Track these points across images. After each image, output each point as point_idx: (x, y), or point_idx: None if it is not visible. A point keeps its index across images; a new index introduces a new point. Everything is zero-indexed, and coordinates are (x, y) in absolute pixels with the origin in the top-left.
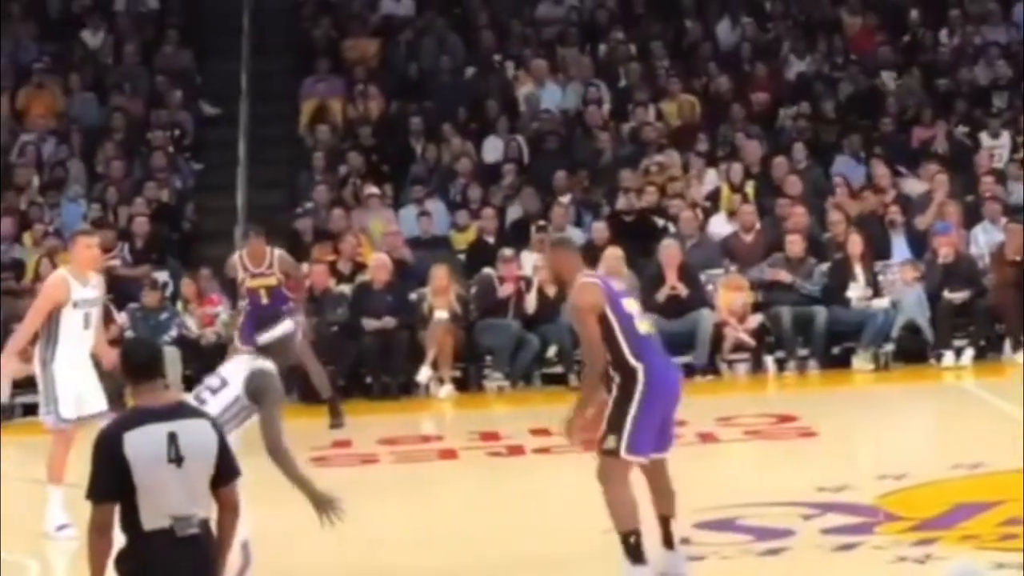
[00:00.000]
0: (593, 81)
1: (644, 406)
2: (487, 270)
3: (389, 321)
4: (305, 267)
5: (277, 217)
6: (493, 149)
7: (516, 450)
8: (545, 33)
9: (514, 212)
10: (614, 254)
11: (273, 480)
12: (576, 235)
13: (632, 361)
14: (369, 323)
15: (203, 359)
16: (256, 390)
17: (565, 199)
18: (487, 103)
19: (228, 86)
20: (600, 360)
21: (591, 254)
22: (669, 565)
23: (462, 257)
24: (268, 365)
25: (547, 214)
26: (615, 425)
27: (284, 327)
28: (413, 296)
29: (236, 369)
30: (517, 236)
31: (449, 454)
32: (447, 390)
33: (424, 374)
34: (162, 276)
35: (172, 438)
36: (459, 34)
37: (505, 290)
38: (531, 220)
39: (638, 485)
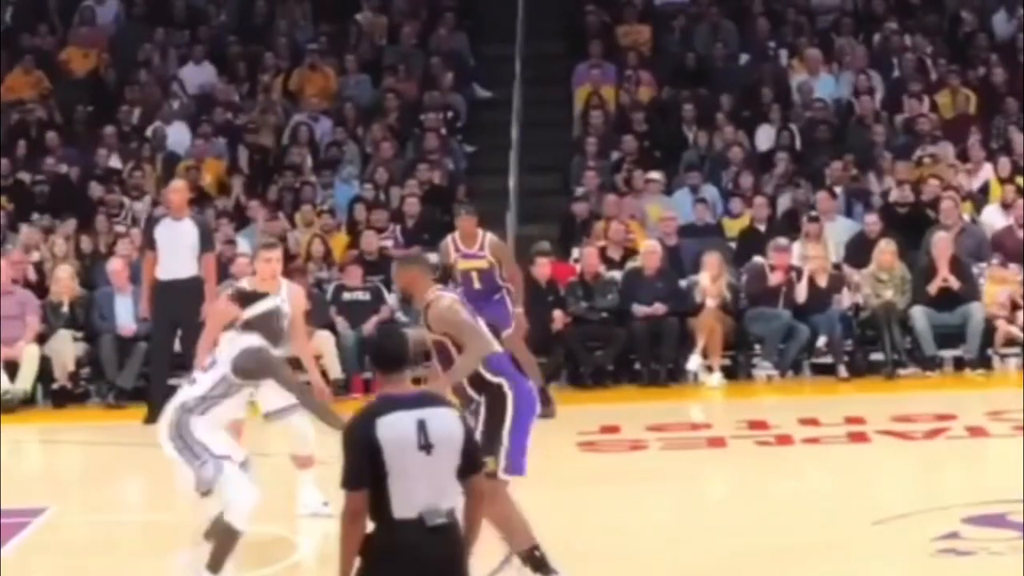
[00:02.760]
0: (866, 71)
1: (516, 422)
2: (758, 258)
3: (659, 307)
4: (576, 252)
5: (549, 201)
6: (765, 137)
7: (784, 439)
8: (820, 22)
9: (785, 201)
10: (887, 247)
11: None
12: (847, 226)
13: (490, 377)
14: (639, 309)
15: None
16: (245, 370)
17: (837, 189)
18: (760, 91)
19: (502, 70)
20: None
21: (863, 245)
22: None
23: (732, 245)
24: (254, 341)
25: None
26: (489, 446)
27: (267, 303)
28: (684, 283)
29: (225, 349)
30: (789, 225)
31: (718, 442)
32: (716, 378)
33: (694, 362)
34: (433, 257)
35: (421, 425)
36: (733, 21)
37: (776, 279)
38: (802, 209)
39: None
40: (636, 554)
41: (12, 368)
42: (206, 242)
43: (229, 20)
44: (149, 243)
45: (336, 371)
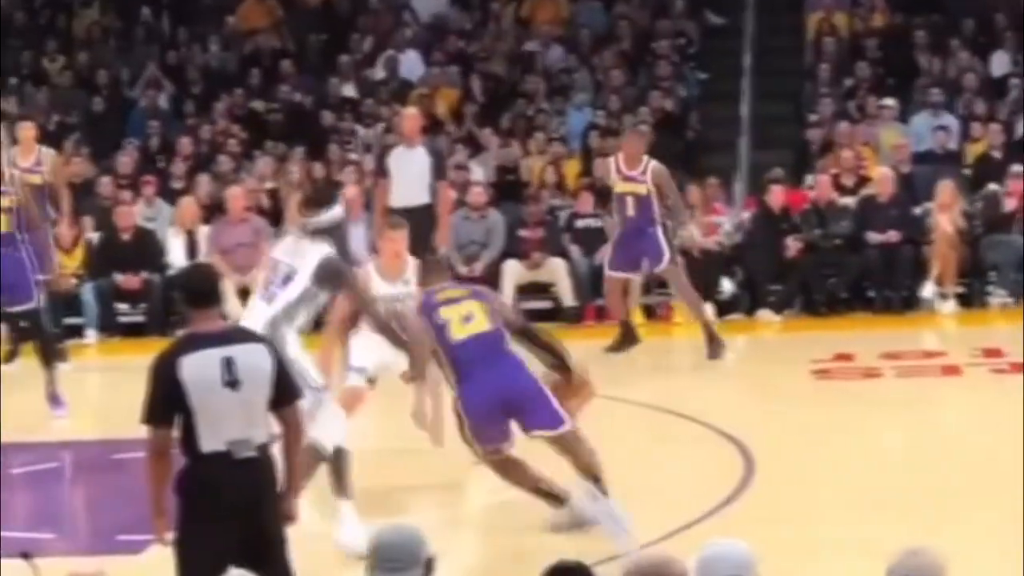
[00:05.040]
0: None
1: (466, 409)
2: (993, 185)
3: (893, 235)
4: (810, 179)
5: (782, 128)
6: (1000, 63)
7: (1019, 367)
8: None
9: (1021, 127)
10: None
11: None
12: None
13: (448, 368)
14: (873, 236)
15: (701, 268)
16: (327, 278)
17: None
18: (995, 16)
19: None
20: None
21: None
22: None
23: (966, 172)
24: (329, 250)
25: None
26: (462, 433)
27: (334, 213)
28: (918, 210)
29: (301, 260)
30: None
31: (952, 370)
32: (951, 305)
33: (928, 289)
34: None
35: (227, 362)
36: None
37: (1011, 205)
38: None
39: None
40: (869, 481)
41: (246, 295)
42: (439, 170)
43: None
44: (381, 171)
45: (569, 299)
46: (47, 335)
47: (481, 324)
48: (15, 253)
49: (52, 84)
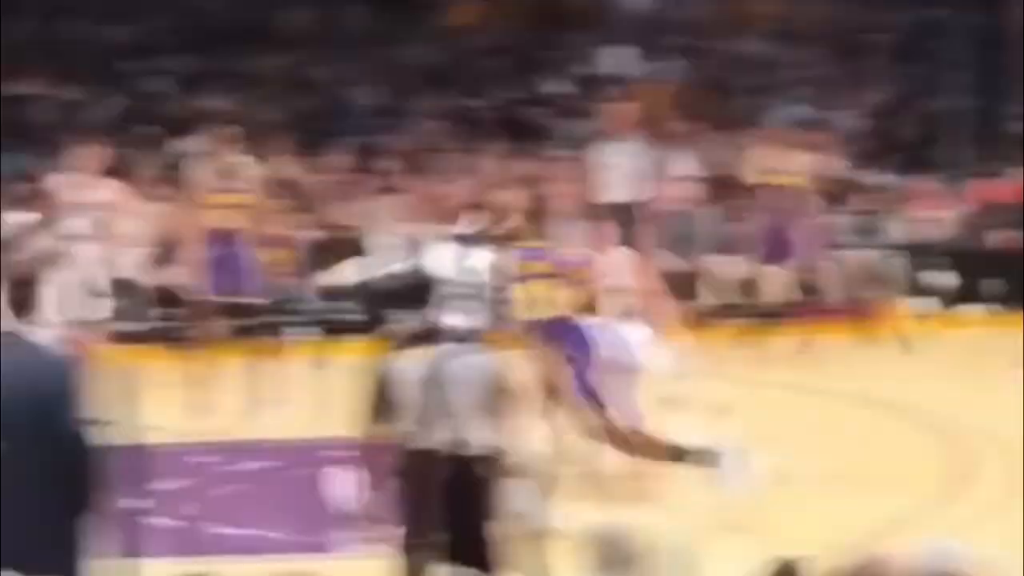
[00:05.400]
0: None
1: None
2: None
3: None
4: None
5: (991, 122)
6: None
7: None
8: None
9: None
10: None
11: None
12: None
13: None
14: None
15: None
16: None
17: None
18: None
19: None
20: None
21: None
22: None
23: None
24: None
25: None
26: None
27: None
28: None
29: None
30: None
31: None
32: None
33: None
34: None
35: (439, 362)
36: None
37: None
38: None
39: None
40: None
41: None
42: (648, 166)
43: None
44: (591, 167)
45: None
46: (261, 332)
47: None
48: (240, 250)
49: (261, 83)
